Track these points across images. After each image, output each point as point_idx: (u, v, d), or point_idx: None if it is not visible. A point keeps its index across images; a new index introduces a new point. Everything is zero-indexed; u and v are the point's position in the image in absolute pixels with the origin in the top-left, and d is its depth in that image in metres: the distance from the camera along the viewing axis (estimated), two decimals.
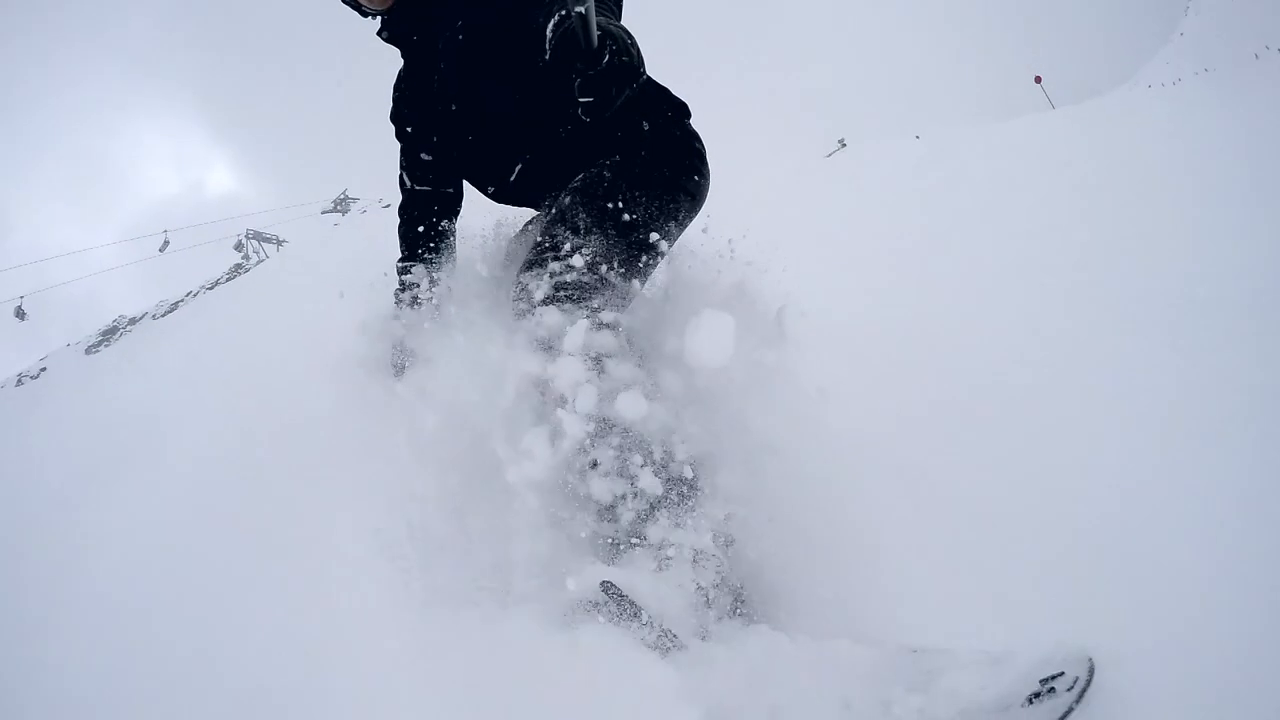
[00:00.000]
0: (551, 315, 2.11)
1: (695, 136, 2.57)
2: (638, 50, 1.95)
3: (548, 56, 1.90)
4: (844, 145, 26.73)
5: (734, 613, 1.95)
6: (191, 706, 2.05)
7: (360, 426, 2.90)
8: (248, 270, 36.93)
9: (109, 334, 35.00)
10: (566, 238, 2.22)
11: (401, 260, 2.98)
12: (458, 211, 3.00)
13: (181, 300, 36.50)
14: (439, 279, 2.80)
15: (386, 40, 2.67)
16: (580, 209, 2.29)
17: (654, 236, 2.37)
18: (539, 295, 2.15)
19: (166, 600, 2.39)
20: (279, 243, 48.16)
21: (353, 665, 1.97)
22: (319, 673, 2.00)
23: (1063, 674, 1.46)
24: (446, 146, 2.71)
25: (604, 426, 2.01)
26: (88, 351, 26.37)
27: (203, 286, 39.05)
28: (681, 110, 2.58)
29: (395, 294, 2.97)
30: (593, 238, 2.22)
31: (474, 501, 2.39)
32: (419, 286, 2.85)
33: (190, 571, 2.46)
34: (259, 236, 49.25)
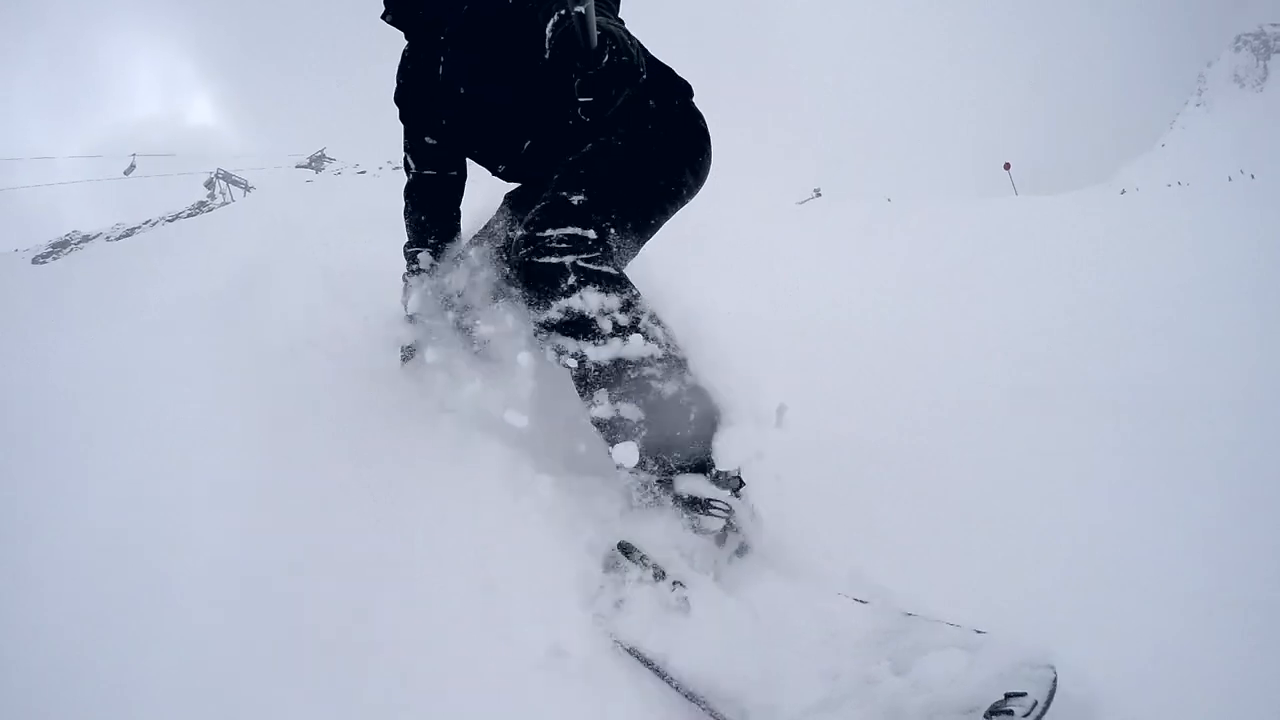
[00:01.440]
0: (554, 270, 2.07)
1: (699, 115, 2.56)
2: (638, 50, 1.93)
3: (547, 56, 1.89)
4: (818, 195, 27.13)
5: (743, 553, 2.03)
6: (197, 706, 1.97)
7: (369, 415, 2.93)
8: (211, 210, 36.31)
9: (60, 247, 34.26)
10: (568, 197, 2.19)
11: (409, 245, 2.95)
12: (461, 193, 2.98)
13: (138, 227, 35.80)
14: (445, 264, 2.84)
15: (390, 23, 2.68)
16: (584, 173, 2.28)
17: (655, 206, 2.41)
18: (541, 252, 2.10)
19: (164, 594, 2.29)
20: (247, 188, 47.56)
21: (368, 669, 1.91)
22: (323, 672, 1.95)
23: (1024, 695, 1.46)
24: (453, 129, 2.68)
25: (616, 381, 2.02)
26: (35, 261, 25.58)
27: (163, 218, 38.38)
28: (685, 90, 2.55)
29: (403, 278, 2.96)
30: (594, 200, 2.20)
31: (494, 490, 2.39)
32: (426, 272, 2.87)
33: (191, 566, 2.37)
34: (229, 178, 48.60)
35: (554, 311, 2.03)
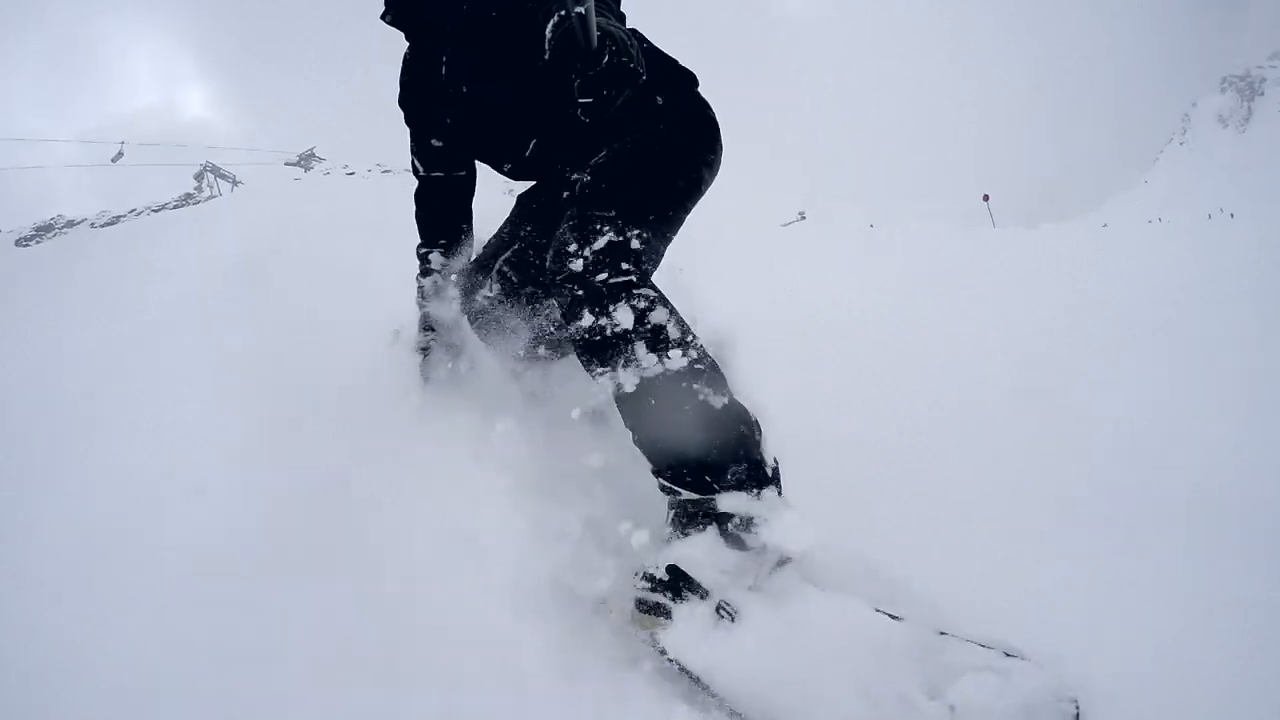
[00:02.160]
0: (589, 289, 2.05)
1: (706, 105, 2.54)
2: (638, 51, 1.91)
3: (546, 57, 1.87)
4: (803, 217, 27.34)
5: (783, 564, 2.00)
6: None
7: (369, 416, 2.96)
8: (197, 203, 36.21)
9: (44, 230, 34.13)
10: (596, 213, 2.16)
11: (421, 246, 2.95)
12: (472, 193, 2.95)
13: (123, 216, 35.65)
14: (458, 264, 2.86)
15: (390, 23, 2.64)
16: (606, 186, 2.25)
17: (677, 207, 2.39)
18: (578, 269, 2.08)
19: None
20: (235, 182, 47.64)
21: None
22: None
23: None
24: (457, 129, 2.67)
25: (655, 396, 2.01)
26: (18, 244, 25.30)
27: (148, 208, 38.28)
28: (690, 80, 2.53)
29: (417, 279, 2.93)
30: (621, 213, 2.17)
31: (495, 495, 2.41)
32: (439, 273, 2.86)
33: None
34: (217, 171, 48.69)
35: (590, 331, 2.02)
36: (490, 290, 2.71)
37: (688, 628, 1.79)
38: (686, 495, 2.01)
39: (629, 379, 1.99)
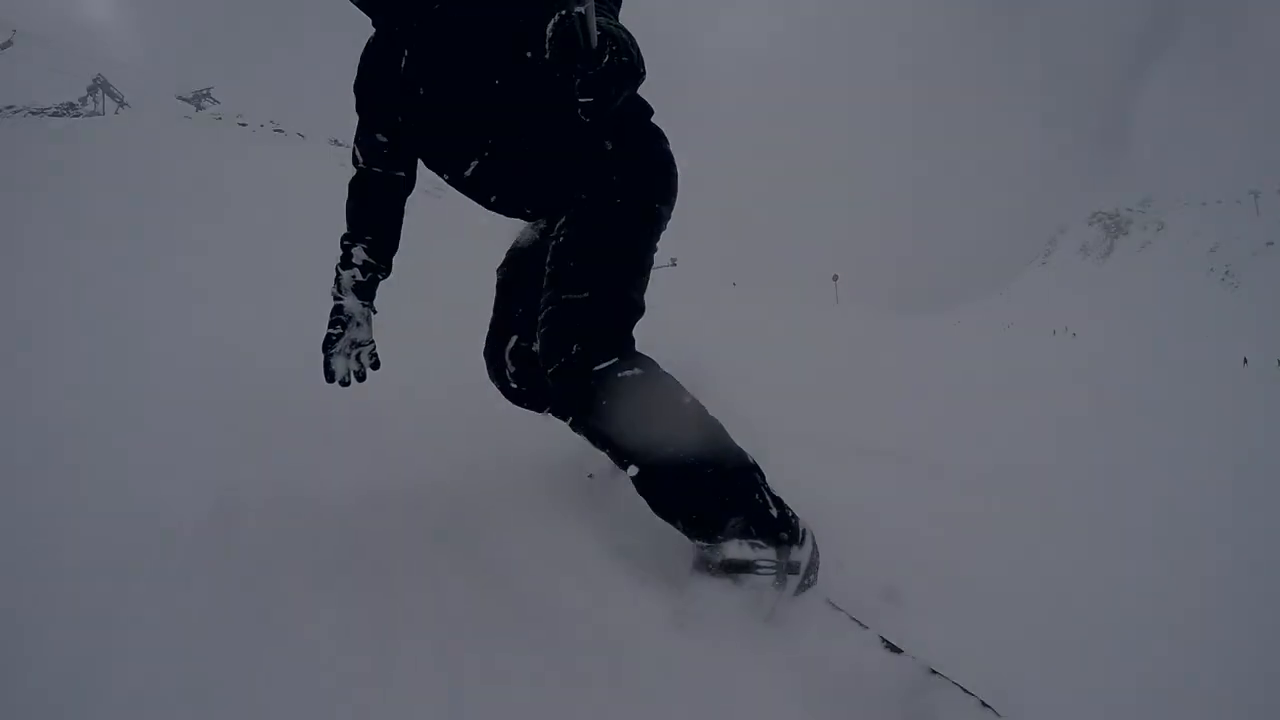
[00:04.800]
0: (581, 388, 2.11)
1: (656, 136, 2.51)
2: (637, 50, 1.86)
3: (546, 56, 1.82)
4: (674, 264, 28.36)
5: (804, 590, 2.11)
6: None
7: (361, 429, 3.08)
8: (78, 115, 34.57)
9: None
10: (570, 298, 2.21)
11: (345, 237, 2.76)
12: (407, 193, 2.82)
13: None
14: (379, 262, 2.76)
15: (358, 4, 2.46)
16: (574, 265, 2.29)
17: (645, 256, 2.41)
18: (562, 365, 2.13)
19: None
20: (122, 103, 45.80)
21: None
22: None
23: None
24: (404, 130, 2.56)
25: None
26: None
27: (27, 108, 36.68)
28: (643, 111, 2.49)
29: (336, 268, 2.74)
30: (596, 292, 2.23)
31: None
32: (359, 267, 2.72)
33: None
34: (108, 88, 46.61)
35: (588, 424, 2.17)
36: (512, 370, 2.77)
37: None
38: (698, 542, 2.11)
39: (633, 459, 2.11)
